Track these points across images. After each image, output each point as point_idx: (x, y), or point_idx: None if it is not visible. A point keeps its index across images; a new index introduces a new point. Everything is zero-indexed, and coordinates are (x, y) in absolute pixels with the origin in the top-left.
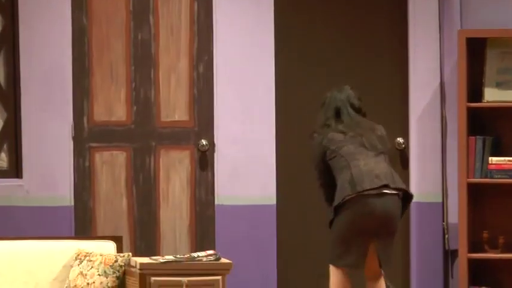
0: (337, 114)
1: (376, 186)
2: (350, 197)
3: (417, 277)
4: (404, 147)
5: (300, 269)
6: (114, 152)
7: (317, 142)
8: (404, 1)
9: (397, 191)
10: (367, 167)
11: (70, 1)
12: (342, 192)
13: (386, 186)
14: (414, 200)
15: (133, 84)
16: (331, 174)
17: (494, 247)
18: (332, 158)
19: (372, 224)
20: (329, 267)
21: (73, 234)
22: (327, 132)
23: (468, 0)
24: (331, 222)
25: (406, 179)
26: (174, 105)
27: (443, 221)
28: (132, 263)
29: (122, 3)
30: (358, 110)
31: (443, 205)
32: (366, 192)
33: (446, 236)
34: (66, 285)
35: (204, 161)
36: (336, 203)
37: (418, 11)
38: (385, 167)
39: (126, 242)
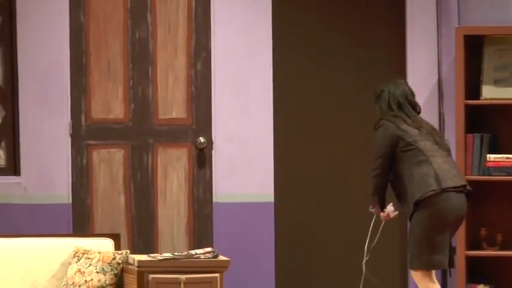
0: (400, 109)
1: (458, 185)
2: (434, 192)
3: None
4: None
5: (298, 266)
6: (112, 150)
7: (389, 131)
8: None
9: (467, 191)
10: (446, 166)
11: None
12: (425, 186)
13: (463, 187)
14: None
15: (131, 82)
16: (392, 165)
17: (492, 244)
18: (407, 150)
19: (452, 222)
20: (410, 273)
21: (71, 232)
22: (400, 124)
23: None
24: (410, 216)
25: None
26: (171, 103)
27: None
28: (130, 261)
29: (119, 1)
30: (414, 107)
31: None
32: (451, 190)
33: None
34: (64, 283)
35: (202, 159)
36: (417, 197)
37: (416, 9)
38: (457, 167)
39: (124, 239)
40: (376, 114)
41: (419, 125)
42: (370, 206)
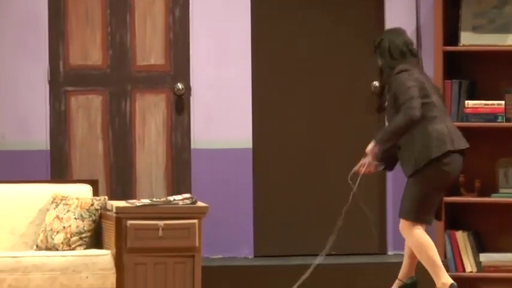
0: (403, 58)
1: (464, 148)
2: (449, 152)
3: (393, 221)
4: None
5: (276, 212)
6: (90, 96)
7: (414, 75)
8: None
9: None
10: (452, 125)
11: None
12: (442, 145)
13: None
14: None
15: (109, 28)
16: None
17: (470, 191)
18: (424, 102)
19: (451, 182)
20: (406, 225)
21: (49, 178)
22: (416, 72)
23: None
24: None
25: (381, 123)
26: (149, 49)
27: None
28: (108, 207)
29: None
30: (415, 56)
31: None
32: (457, 151)
33: None
34: (42, 229)
35: (180, 105)
36: (434, 155)
37: None
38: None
39: (102, 185)
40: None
41: (426, 77)
42: (371, 147)
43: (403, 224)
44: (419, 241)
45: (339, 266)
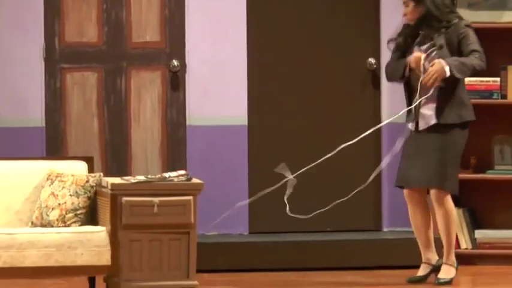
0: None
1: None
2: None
3: (388, 197)
4: (376, 68)
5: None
6: (85, 73)
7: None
8: None
9: None
10: None
11: None
12: (471, 110)
13: None
14: (384, 116)
15: (105, 5)
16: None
17: (465, 168)
18: None
19: None
20: (444, 196)
21: (44, 155)
22: None
23: None
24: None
25: (377, 100)
26: (145, 26)
27: None
28: (104, 184)
29: None
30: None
31: None
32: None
33: None
34: (37, 206)
35: (176, 82)
36: (470, 117)
37: None
38: None
39: (97, 162)
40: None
41: None
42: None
43: (440, 192)
44: (453, 212)
45: (334, 242)
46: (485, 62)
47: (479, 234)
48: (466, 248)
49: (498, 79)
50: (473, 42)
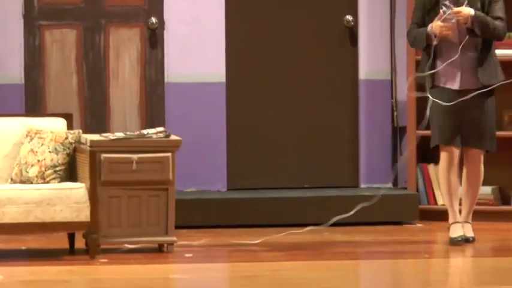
0: None
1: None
2: None
3: (365, 154)
4: (353, 25)
5: (249, 146)
6: (64, 30)
7: None
8: None
9: None
10: None
11: None
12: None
13: None
14: (363, 77)
15: None
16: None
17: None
18: None
19: None
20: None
21: (24, 112)
22: None
23: None
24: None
25: (355, 57)
26: None
27: (392, 98)
28: (83, 140)
29: None
30: None
31: (392, 82)
32: None
33: (395, 113)
34: (16, 162)
35: (154, 40)
36: (504, 79)
37: None
38: None
39: (76, 120)
40: None
41: None
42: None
43: (480, 153)
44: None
45: (311, 199)
46: (506, 33)
47: None
48: (443, 205)
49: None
50: (501, 8)
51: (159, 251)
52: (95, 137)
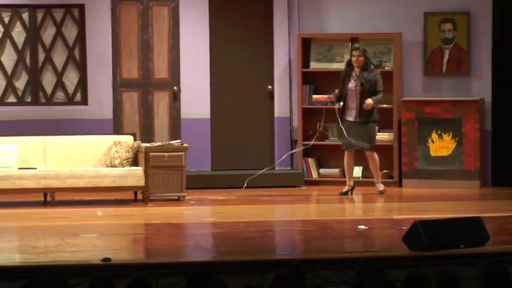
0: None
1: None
2: None
3: (279, 154)
4: (271, 91)
5: (228, 137)
6: None
7: None
8: (270, 15)
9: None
10: None
11: None
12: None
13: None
14: (276, 115)
15: None
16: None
17: (316, 140)
18: None
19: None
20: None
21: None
22: None
23: (301, 15)
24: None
25: (272, 106)
26: None
27: (290, 125)
28: (141, 146)
29: None
30: None
31: (290, 118)
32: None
33: (292, 132)
34: (109, 157)
35: (176, 97)
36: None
37: (277, 22)
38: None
39: (137, 136)
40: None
41: None
42: (371, 101)
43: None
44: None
45: (251, 174)
46: (382, 98)
47: (322, 171)
48: (316, 177)
49: (332, 95)
50: (379, 81)
51: (178, 200)
52: (147, 144)
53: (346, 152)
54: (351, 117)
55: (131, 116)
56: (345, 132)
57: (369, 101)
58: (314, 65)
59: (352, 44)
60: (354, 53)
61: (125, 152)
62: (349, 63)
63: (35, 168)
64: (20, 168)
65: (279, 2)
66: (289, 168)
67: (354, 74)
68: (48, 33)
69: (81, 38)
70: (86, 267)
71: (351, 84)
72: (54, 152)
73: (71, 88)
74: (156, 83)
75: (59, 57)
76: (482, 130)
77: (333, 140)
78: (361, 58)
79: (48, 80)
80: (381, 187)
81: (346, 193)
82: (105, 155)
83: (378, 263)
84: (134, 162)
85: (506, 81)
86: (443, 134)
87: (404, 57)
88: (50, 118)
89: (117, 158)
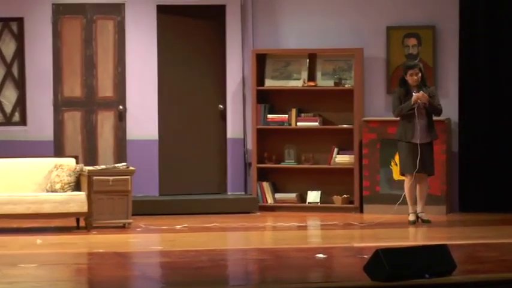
0: None
1: None
2: None
3: (231, 177)
4: (223, 110)
5: (179, 160)
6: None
7: None
8: (223, 29)
9: None
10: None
11: None
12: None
13: None
14: (229, 136)
15: None
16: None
17: (270, 161)
18: None
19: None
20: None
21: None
22: None
23: (256, 29)
24: None
25: (224, 126)
26: None
27: (244, 147)
28: (84, 170)
29: None
30: None
31: (244, 139)
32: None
33: (246, 155)
34: (49, 181)
35: (121, 117)
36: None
37: (230, 36)
38: None
39: (80, 159)
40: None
41: None
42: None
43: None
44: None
45: (202, 200)
46: (441, 110)
47: (278, 196)
48: (271, 203)
49: (287, 115)
50: (437, 95)
51: (123, 227)
52: (90, 167)
53: (409, 176)
54: (416, 138)
55: (73, 137)
56: (411, 154)
57: (423, 93)
58: (269, 83)
59: (405, 63)
60: (411, 71)
61: (67, 175)
62: (403, 84)
63: None
64: None
65: (232, 15)
66: (243, 193)
67: (414, 93)
68: None
69: (19, 53)
70: None
71: (415, 104)
72: None
73: (8, 107)
74: (100, 101)
75: None
76: (449, 152)
77: (289, 163)
78: (420, 75)
79: None
80: (426, 216)
81: (414, 222)
82: (45, 179)
83: None
84: (76, 186)
85: (474, 99)
86: None
87: (366, 74)
88: None
89: (58, 183)
